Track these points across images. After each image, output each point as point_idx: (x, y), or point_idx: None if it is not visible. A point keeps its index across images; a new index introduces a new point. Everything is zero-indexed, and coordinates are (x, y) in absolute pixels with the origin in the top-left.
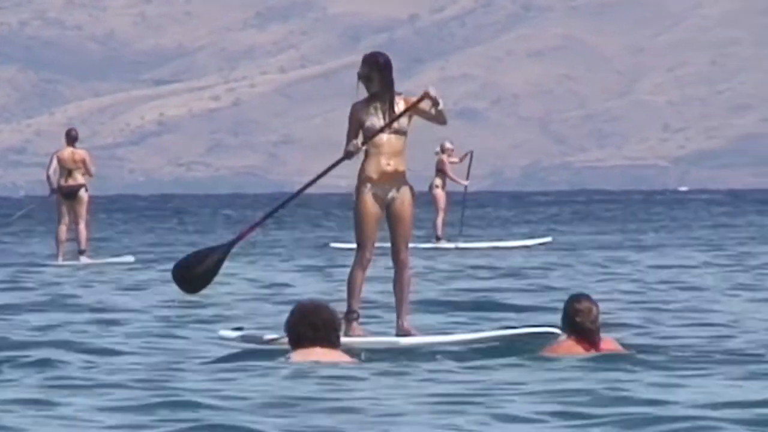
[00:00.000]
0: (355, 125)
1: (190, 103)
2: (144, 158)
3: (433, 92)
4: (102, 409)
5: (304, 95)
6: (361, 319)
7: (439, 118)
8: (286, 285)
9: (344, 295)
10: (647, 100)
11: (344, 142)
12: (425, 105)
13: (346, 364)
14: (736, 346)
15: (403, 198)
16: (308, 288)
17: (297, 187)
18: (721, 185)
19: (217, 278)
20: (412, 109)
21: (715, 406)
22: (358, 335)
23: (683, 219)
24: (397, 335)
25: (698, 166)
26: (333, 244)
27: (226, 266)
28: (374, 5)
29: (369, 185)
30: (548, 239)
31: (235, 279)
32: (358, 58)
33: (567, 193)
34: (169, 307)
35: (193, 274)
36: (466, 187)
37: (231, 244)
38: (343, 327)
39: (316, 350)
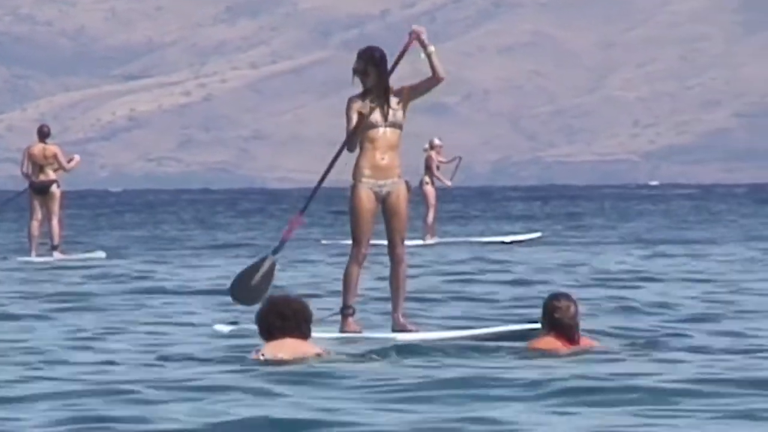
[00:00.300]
0: (353, 118)
1: (160, 99)
2: (115, 153)
3: (423, 31)
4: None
5: (275, 91)
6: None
7: (435, 73)
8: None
9: (335, 290)
10: (617, 95)
11: (325, 137)
12: (420, 84)
13: (316, 356)
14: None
15: (398, 192)
16: (299, 281)
17: (268, 183)
18: (691, 180)
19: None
20: (404, 55)
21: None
22: (354, 330)
23: (661, 213)
24: (393, 330)
25: (668, 161)
26: (324, 241)
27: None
28: (345, 0)
29: (364, 180)
30: (538, 234)
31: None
32: (328, 54)
33: (537, 188)
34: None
35: (251, 285)
36: (449, 187)
37: (277, 250)
38: (322, 322)
39: (286, 342)
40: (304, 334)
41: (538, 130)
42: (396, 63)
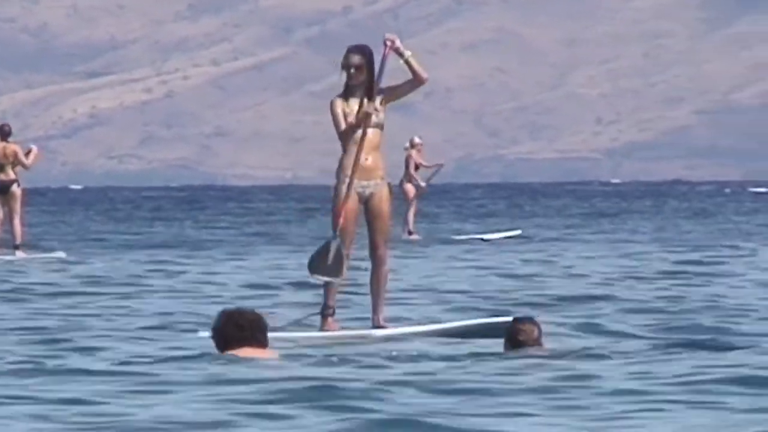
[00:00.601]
0: (341, 116)
1: (122, 96)
2: (76, 151)
3: (396, 38)
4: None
5: (237, 87)
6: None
7: (417, 76)
8: (263, 282)
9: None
10: (580, 92)
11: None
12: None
13: (276, 361)
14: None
15: (380, 194)
16: (280, 280)
17: (229, 180)
18: (655, 177)
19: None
20: (384, 68)
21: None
22: (333, 330)
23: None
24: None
25: (631, 159)
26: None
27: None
28: None
29: (347, 180)
30: (518, 231)
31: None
32: (290, 51)
33: (500, 185)
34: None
35: (329, 265)
36: (423, 187)
37: (335, 235)
38: (300, 321)
39: (244, 350)
40: (261, 343)
41: (501, 127)
42: (380, 76)
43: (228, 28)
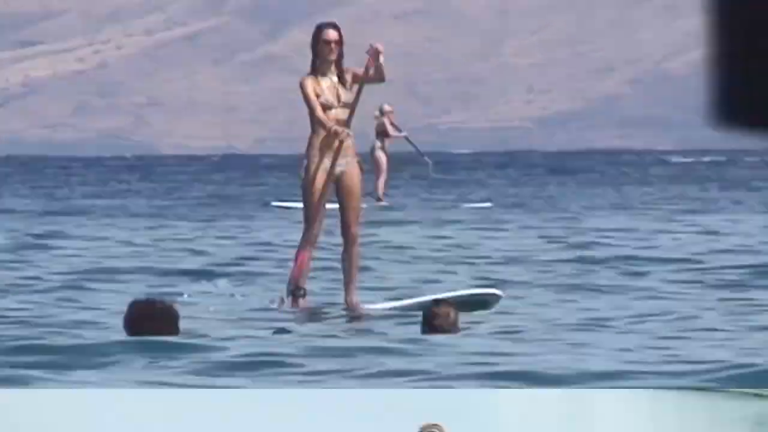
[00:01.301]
0: (315, 99)
1: (55, 65)
2: (10, 120)
3: (382, 50)
4: None
5: (170, 57)
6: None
7: (378, 74)
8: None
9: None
10: (511, 62)
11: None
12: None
13: None
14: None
15: (351, 172)
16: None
17: (163, 149)
18: (587, 146)
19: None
20: (368, 73)
21: None
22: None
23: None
24: (345, 310)
25: (563, 128)
26: (274, 203)
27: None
28: None
29: (317, 159)
30: (489, 204)
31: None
32: (222, 20)
33: (432, 154)
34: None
35: None
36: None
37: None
38: (282, 302)
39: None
40: (171, 332)
41: (433, 96)
42: (361, 87)
43: None
